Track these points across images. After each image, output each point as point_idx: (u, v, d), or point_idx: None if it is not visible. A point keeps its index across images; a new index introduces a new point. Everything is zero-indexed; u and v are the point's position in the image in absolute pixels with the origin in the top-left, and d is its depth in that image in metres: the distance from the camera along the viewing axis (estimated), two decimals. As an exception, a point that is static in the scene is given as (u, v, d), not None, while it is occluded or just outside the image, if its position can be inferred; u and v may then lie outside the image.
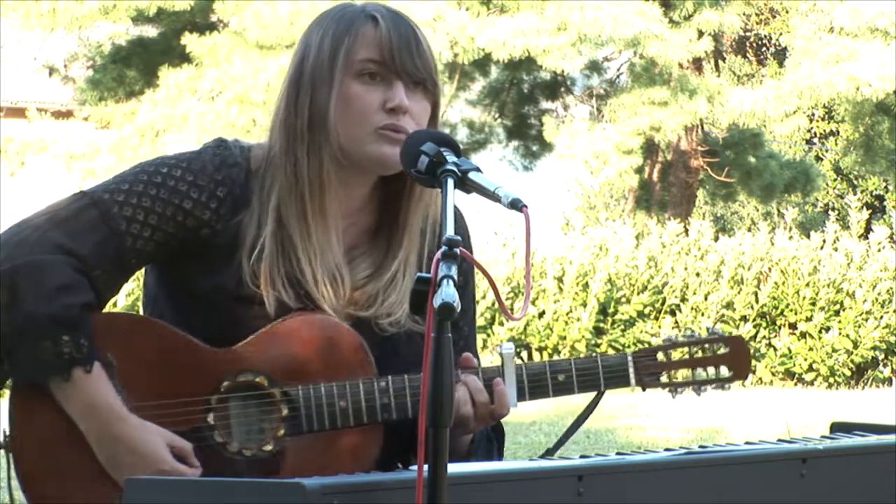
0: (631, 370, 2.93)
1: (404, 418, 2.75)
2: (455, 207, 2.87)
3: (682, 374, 2.97)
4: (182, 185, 2.73)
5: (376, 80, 2.76)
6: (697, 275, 14.49)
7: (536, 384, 2.88)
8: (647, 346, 13.89)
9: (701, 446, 2.60)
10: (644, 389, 2.97)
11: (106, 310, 2.78)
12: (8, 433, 2.70)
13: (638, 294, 14.19)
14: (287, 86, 2.80)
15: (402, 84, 2.76)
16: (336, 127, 2.75)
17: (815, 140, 32.12)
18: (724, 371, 3.00)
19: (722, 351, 3.00)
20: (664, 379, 2.97)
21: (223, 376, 2.72)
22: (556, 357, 13.76)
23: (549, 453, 2.92)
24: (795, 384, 14.51)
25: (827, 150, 31.72)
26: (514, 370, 2.86)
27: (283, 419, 2.73)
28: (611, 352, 13.74)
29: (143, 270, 2.86)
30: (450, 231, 2.27)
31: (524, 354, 13.95)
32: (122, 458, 2.66)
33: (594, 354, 3.02)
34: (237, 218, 2.75)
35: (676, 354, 2.98)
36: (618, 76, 20.82)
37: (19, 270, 2.63)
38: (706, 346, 2.99)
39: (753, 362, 14.53)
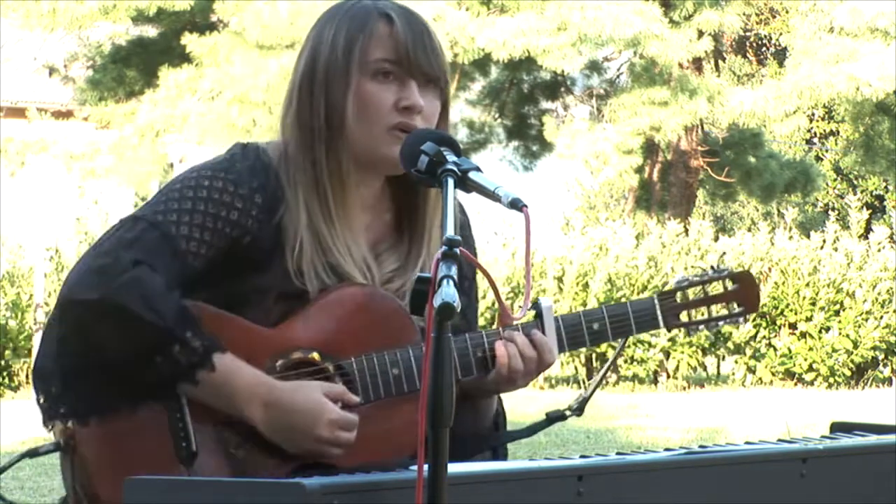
0: (659, 312, 2.98)
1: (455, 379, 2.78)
2: (457, 201, 2.91)
3: (699, 311, 3.04)
4: (227, 197, 2.74)
5: (390, 78, 2.77)
6: (697, 275, 14.48)
7: (574, 335, 2.92)
8: (647, 344, 13.93)
9: (701, 446, 2.60)
10: (669, 330, 3.05)
11: None
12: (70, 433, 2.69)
13: (638, 294, 14.18)
14: (299, 83, 2.81)
15: (415, 83, 2.77)
16: (352, 125, 2.76)
17: (815, 140, 32.13)
18: (735, 307, 3.06)
19: (732, 287, 3.05)
20: (684, 318, 3.03)
21: (277, 355, 2.73)
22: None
23: (579, 411, 2.97)
24: (795, 384, 14.51)
25: (827, 150, 31.73)
26: (553, 322, 2.88)
27: None
28: (610, 352, 13.74)
29: None
30: (450, 231, 2.28)
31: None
32: (292, 425, 2.67)
33: (623, 301, 3.04)
34: (276, 218, 2.76)
35: (691, 294, 3.04)
36: (618, 76, 20.82)
37: (119, 293, 2.63)
38: (717, 282, 3.05)
39: (753, 362, 14.52)
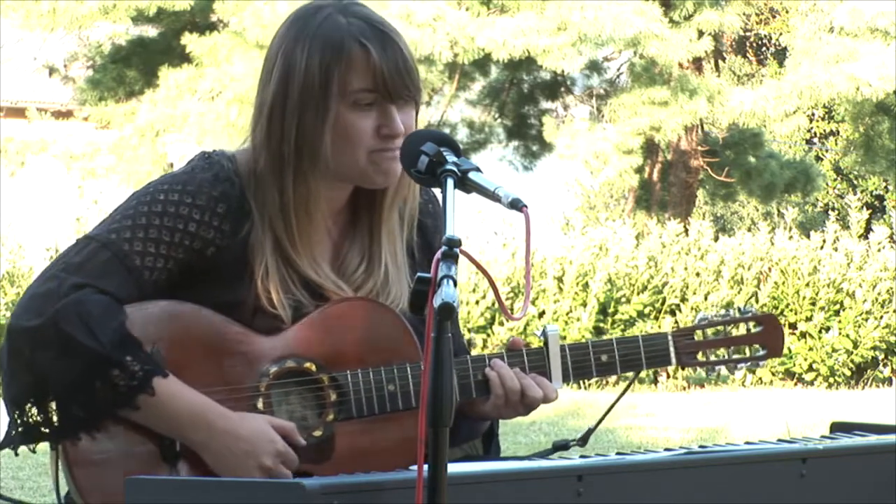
0: (672, 349, 2.95)
1: None
2: (421, 198, 2.91)
3: (717, 352, 3.01)
4: (183, 209, 2.74)
5: (370, 106, 2.77)
6: (697, 275, 14.49)
7: (580, 365, 2.91)
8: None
9: (701, 446, 2.60)
10: (683, 368, 3.02)
11: None
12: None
13: (638, 294, 14.19)
14: (270, 103, 2.78)
15: (395, 108, 2.78)
16: (328, 154, 2.76)
17: (815, 140, 32.12)
18: (758, 349, 3.04)
19: (755, 329, 3.03)
20: (700, 357, 3.00)
21: (271, 362, 2.73)
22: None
23: (583, 442, 2.99)
24: (795, 384, 14.51)
25: (827, 150, 31.72)
26: (559, 351, 2.88)
27: (333, 404, 2.74)
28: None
29: None
30: (450, 231, 2.28)
31: (524, 354, 13.94)
32: (236, 451, 2.66)
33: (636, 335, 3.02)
34: (242, 233, 2.76)
35: (711, 333, 3.01)
36: (618, 76, 20.80)
37: (59, 318, 2.62)
38: (740, 324, 3.02)
39: (753, 362, 14.52)
